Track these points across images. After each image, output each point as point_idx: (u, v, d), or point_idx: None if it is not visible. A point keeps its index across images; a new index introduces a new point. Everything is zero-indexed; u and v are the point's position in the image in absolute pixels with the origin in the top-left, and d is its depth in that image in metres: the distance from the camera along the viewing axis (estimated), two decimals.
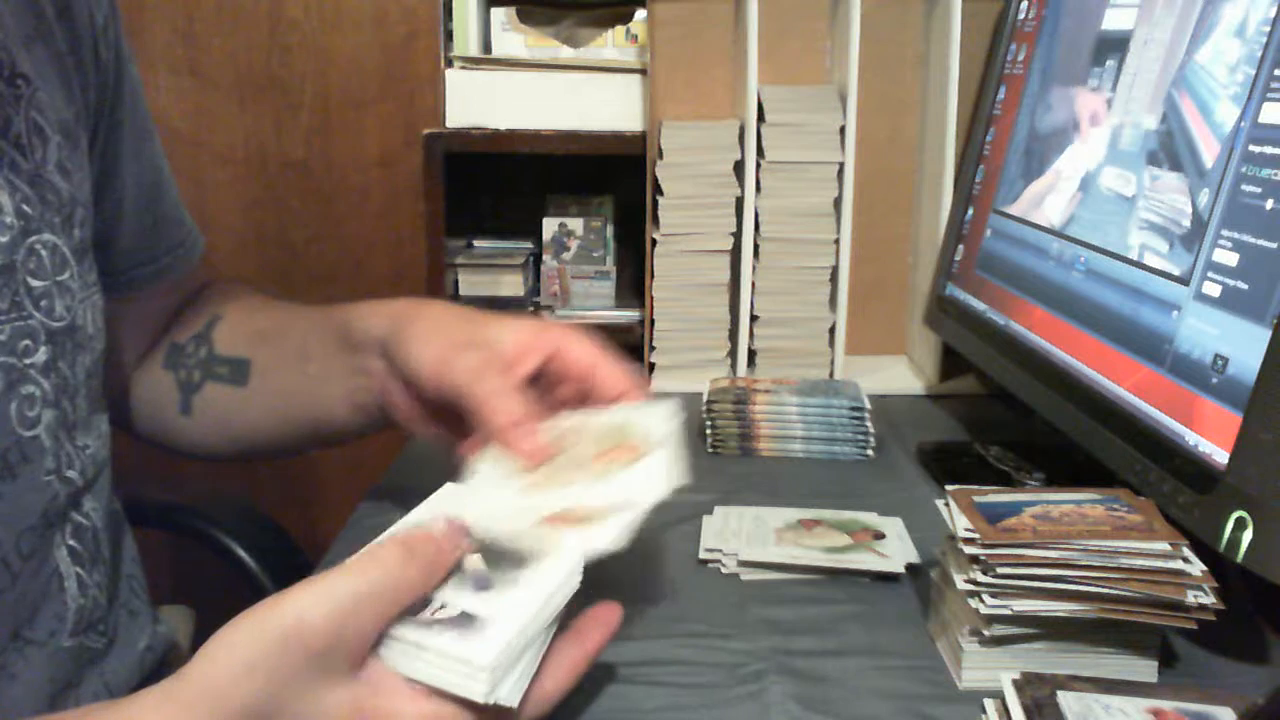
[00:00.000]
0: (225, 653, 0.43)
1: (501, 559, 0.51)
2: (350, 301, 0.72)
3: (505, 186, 1.40)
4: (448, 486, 0.58)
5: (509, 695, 0.46)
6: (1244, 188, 0.61)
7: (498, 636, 0.46)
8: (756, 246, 1.06)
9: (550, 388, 0.66)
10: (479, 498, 0.57)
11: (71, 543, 0.63)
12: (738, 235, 1.07)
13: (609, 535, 0.53)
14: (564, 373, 0.65)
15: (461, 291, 1.31)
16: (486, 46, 1.27)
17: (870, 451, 0.90)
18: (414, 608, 0.47)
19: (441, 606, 0.48)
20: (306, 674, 0.43)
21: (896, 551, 0.70)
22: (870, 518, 0.75)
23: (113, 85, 0.71)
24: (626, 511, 0.55)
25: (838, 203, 1.06)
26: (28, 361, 0.59)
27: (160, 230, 0.77)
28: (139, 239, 0.75)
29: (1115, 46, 0.78)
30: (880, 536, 0.72)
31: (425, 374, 0.63)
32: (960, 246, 0.99)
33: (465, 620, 0.47)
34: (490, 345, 0.64)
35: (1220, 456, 0.58)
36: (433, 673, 0.45)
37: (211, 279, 0.84)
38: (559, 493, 0.57)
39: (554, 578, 0.50)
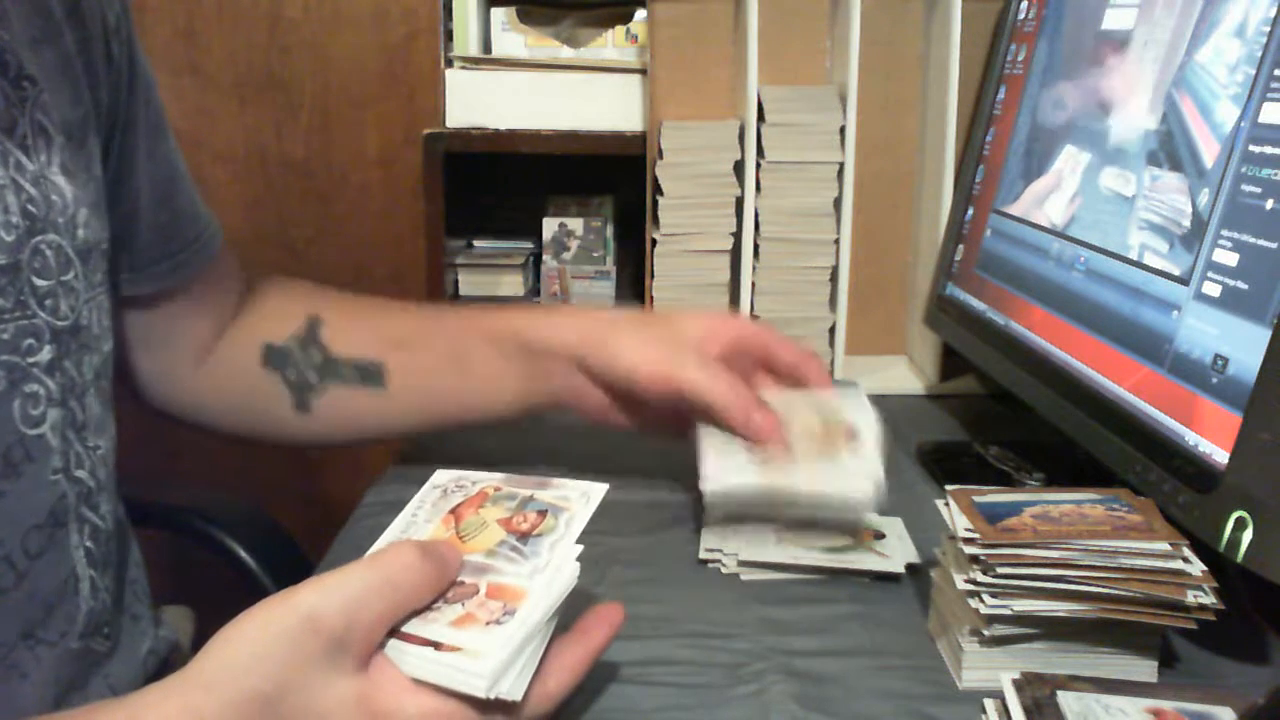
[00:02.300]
0: (239, 641, 0.44)
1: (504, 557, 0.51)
2: None
3: (505, 186, 1.40)
4: (439, 474, 0.59)
5: (511, 690, 0.46)
6: (1244, 188, 0.61)
7: (498, 632, 0.46)
8: (756, 246, 1.06)
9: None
10: (736, 475, 0.67)
11: (89, 544, 0.63)
12: (738, 235, 1.07)
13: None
14: (744, 352, 0.73)
15: (462, 291, 1.31)
16: (486, 46, 1.27)
17: None
18: (421, 609, 0.48)
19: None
20: (316, 663, 0.44)
21: (896, 551, 0.70)
22: (870, 517, 0.75)
23: (125, 85, 0.71)
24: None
25: (838, 203, 1.06)
26: (31, 360, 0.59)
27: (177, 227, 0.77)
28: (156, 236, 0.75)
29: (1115, 46, 0.78)
30: (880, 536, 0.72)
31: (647, 378, 0.71)
32: (960, 246, 0.99)
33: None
34: (686, 338, 0.72)
35: (1220, 456, 0.58)
36: (435, 669, 0.46)
37: (242, 271, 0.85)
38: (793, 470, 0.67)
39: (552, 572, 0.50)
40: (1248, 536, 0.54)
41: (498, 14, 1.25)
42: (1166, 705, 0.51)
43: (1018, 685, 0.52)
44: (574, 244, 1.30)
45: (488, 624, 0.47)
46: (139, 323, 0.77)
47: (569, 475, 0.58)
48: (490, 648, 0.46)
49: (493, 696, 0.45)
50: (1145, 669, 0.57)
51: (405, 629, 0.47)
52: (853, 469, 0.67)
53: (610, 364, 0.72)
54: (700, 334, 0.72)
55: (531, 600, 0.48)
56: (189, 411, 0.82)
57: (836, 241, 1.06)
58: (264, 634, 0.44)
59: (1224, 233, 0.62)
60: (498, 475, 0.58)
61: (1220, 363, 0.60)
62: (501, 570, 0.50)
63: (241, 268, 0.85)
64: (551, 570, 0.50)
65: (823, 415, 0.70)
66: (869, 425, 0.69)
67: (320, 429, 0.81)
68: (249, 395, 0.81)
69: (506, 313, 0.79)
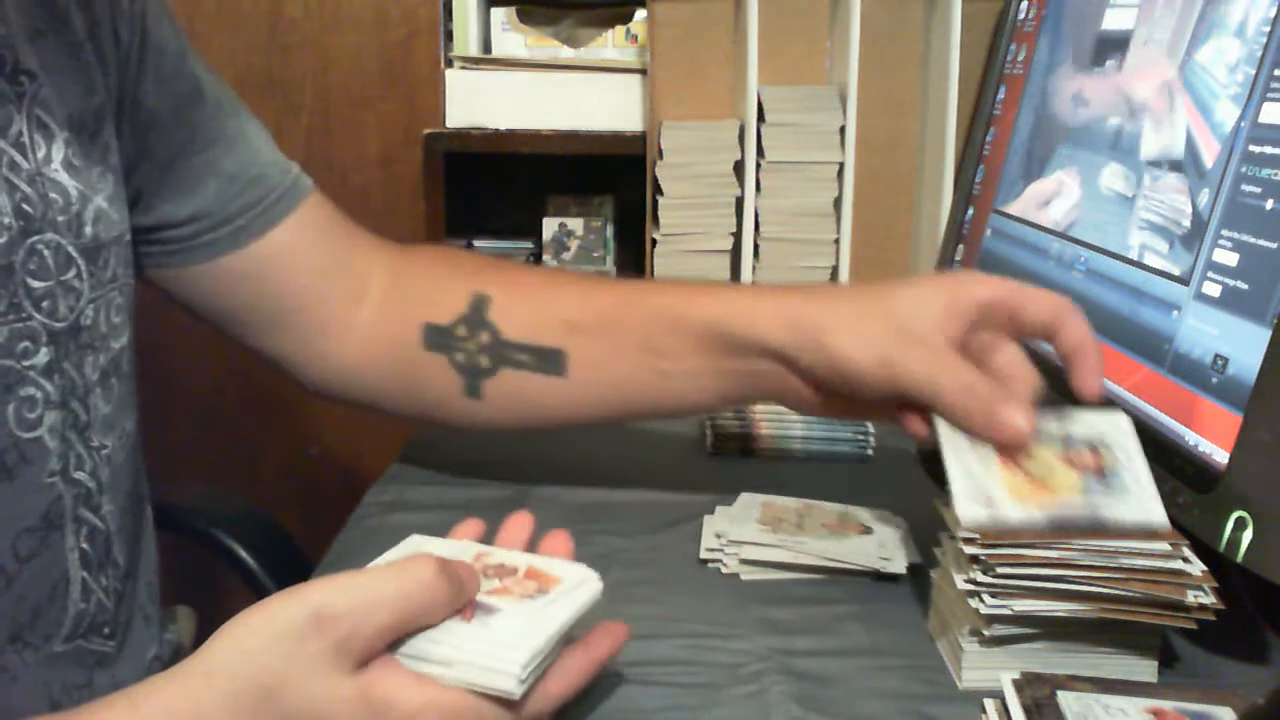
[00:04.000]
0: (244, 632, 0.44)
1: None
2: None
3: (505, 186, 1.40)
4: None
5: (515, 688, 0.47)
6: (1244, 188, 0.61)
7: (517, 625, 0.49)
8: (756, 246, 1.06)
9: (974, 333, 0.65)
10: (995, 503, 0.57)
11: (84, 546, 0.63)
12: (738, 235, 1.07)
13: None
14: (989, 322, 0.64)
15: None
16: (486, 46, 1.27)
17: (870, 451, 0.90)
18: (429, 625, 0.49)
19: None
20: (318, 660, 0.44)
21: (896, 551, 0.70)
22: (864, 513, 0.75)
23: (135, 63, 0.68)
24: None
25: (838, 203, 1.06)
26: (27, 364, 0.58)
27: (230, 191, 0.73)
28: (225, 197, 0.73)
29: (1115, 46, 0.78)
30: (868, 531, 0.72)
31: (867, 374, 0.63)
32: (960, 246, 0.99)
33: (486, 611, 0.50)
34: (914, 323, 0.63)
35: (1220, 456, 0.58)
36: (456, 656, 0.47)
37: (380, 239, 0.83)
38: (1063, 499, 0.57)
39: (571, 588, 0.53)
40: (1248, 536, 0.54)
41: (498, 14, 1.25)
42: (1166, 705, 0.51)
43: (1018, 685, 0.52)
44: (574, 244, 1.30)
45: (521, 597, 0.50)
46: (241, 303, 0.75)
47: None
48: (512, 645, 0.47)
49: (514, 672, 0.46)
50: (1145, 669, 0.56)
51: (412, 642, 0.47)
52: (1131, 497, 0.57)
53: (825, 360, 0.65)
54: (933, 316, 0.63)
55: (563, 587, 0.52)
56: (349, 393, 0.79)
57: (836, 241, 1.06)
58: (269, 627, 0.44)
59: (1224, 233, 0.62)
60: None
61: (1220, 363, 0.60)
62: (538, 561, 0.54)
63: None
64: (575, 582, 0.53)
65: (1076, 444, 0.60)
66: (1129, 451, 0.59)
67: (493, 414, 0.77)
68: (411, 379, 0.77)
69: (700, 295, 0.72)
